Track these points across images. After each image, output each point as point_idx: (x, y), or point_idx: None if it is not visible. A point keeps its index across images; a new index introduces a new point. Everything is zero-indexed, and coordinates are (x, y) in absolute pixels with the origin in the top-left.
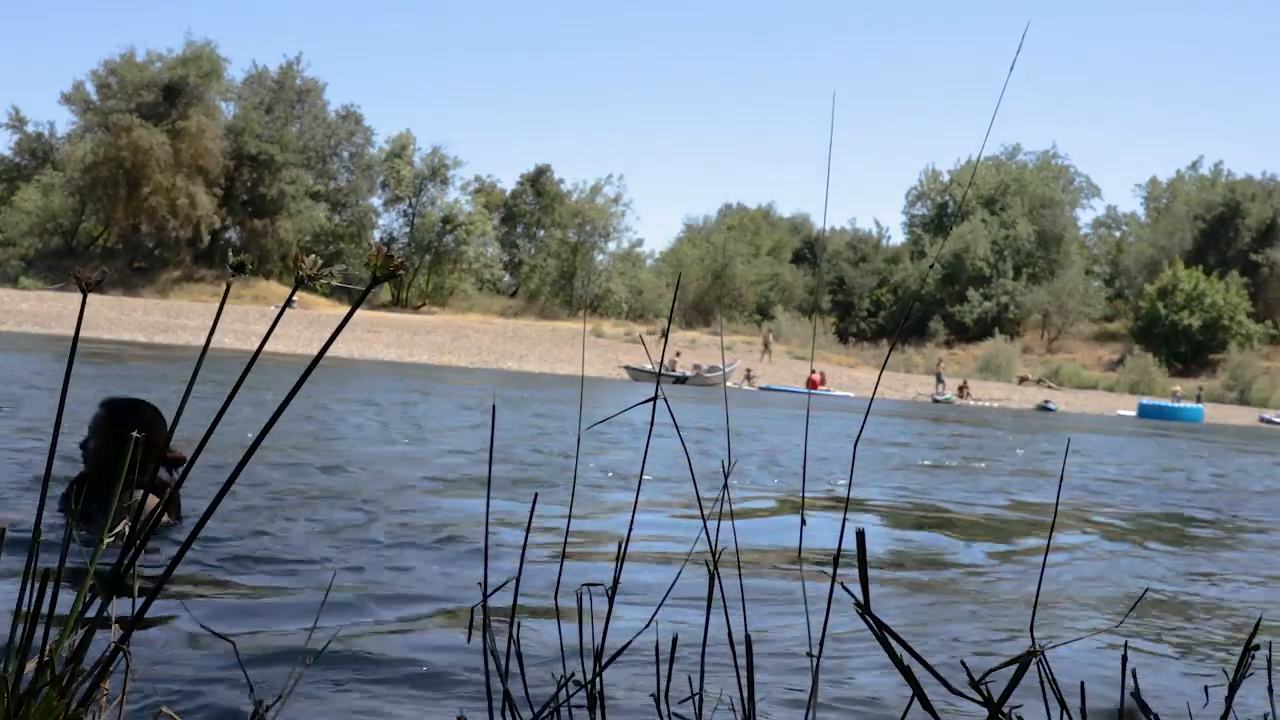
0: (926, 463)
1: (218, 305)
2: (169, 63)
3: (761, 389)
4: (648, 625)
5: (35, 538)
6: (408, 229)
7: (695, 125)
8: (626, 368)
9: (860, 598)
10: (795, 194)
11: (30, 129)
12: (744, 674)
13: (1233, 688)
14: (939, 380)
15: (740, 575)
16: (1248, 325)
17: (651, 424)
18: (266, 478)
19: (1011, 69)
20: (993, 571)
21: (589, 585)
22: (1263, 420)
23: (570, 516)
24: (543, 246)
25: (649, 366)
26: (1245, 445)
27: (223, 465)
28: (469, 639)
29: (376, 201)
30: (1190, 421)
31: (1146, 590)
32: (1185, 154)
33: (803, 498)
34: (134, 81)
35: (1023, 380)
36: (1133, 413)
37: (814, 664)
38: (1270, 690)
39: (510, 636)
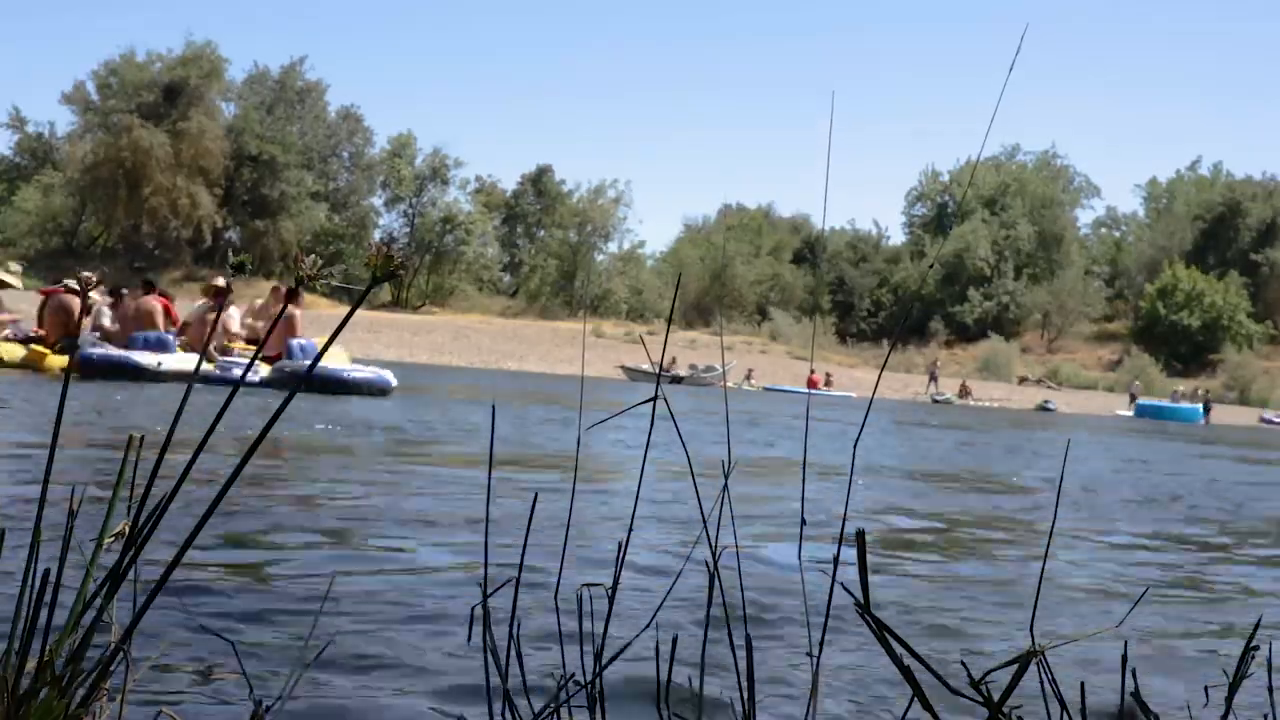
0: (923, 460)
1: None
2: (169, 63)
3: (765, 389)
4: (648, 625)
5: (35, 537)
6: (408, 229)
7: (695, 125)
8: (623, 368)
9: (860, 597)
10: (795, 194)
11: (30, 129)
12: (744, 674)
13: (1233, 688)
14: (932, 379)
15: (740, 575)
16: (1247, 325)
17: (651, 423)
18: (266, 477)
19: (1011, 69)
20: (993, 571)
21: (589, 585)
22: (1263, 420)
23: (570, 516)
24: (543, 247)
25: (646, 366)
26: (1244, 446)
27: (222, 465)
28: (469, 639)
29: (377, 201)
30: (1187, 422)
31: (1147, 590)
32: (1185, 154)
33: (802, 497)
34: (134, 81)
35: (1022, 380)
36: (1130, 413)
37: (814, 664)
38: (1270, 690)
39: (510, 636)
